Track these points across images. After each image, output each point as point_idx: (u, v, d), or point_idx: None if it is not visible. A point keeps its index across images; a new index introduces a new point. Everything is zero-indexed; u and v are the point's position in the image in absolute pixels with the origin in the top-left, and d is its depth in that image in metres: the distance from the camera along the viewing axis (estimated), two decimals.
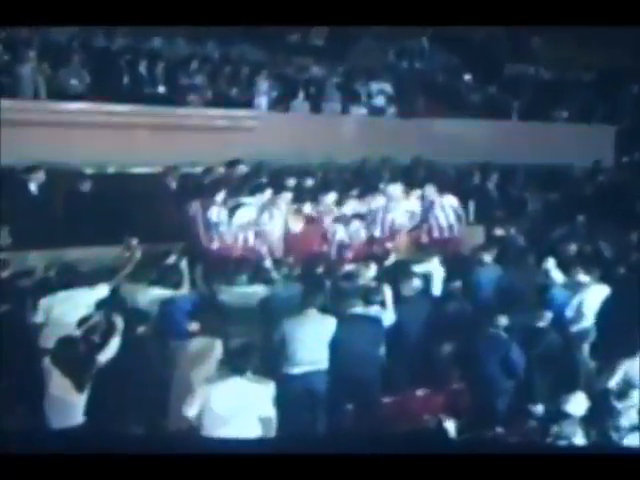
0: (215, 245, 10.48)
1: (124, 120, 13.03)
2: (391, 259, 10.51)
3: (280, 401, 7.38)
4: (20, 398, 7.59)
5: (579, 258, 10.92)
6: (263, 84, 14.81)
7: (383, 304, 9.04)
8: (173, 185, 11.55)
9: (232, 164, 11.78)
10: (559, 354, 9.31)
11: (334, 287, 9.45)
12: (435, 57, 18.99)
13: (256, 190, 10.97)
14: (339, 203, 11.45)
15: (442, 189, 12.30)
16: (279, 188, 11.38)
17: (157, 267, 9.21)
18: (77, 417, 7.04)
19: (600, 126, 17.80)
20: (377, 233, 11.49)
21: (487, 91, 18.15)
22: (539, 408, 8.93)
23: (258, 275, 9.42)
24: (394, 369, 9.25)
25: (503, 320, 8.98)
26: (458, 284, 10.26)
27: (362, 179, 13.09)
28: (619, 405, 8.19)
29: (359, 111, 15.70)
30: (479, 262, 10.73)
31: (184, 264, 9.25)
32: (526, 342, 9.02)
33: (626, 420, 7.99)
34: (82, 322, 7.53)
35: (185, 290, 8.99)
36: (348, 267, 10.00)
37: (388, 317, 9.03)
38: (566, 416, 7.63)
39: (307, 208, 11.20)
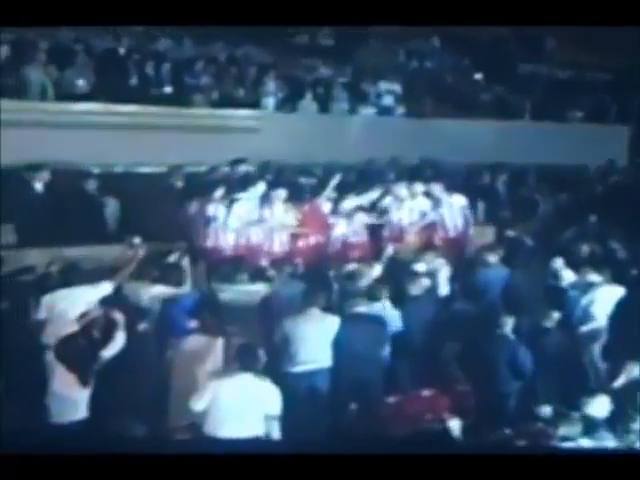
0: (217, 243, 10.64)
1: (130, 120, 13.21)
2: (396, 258, 10.59)
3: (283, 399, 7.50)
4: (22, 394, 7.70)
5: (590, 258, 10.95)
6: (270, 84, 14.97)
7: (388, 301, 9.12)
8: (177, 185, 11.67)
9: (236, 163, 11.87)
10: (567, 355, 9.39)
11: (338, 286, 9.57)
12: (446, 57, 19.13)
13: (249, 184, 11.03)
14: (340, 199, 11.52)
15: (450, 189, 12.39)
16: (281, 186, 11.47)
17: (159, 265, 9.35)
18: (81, 412, 7.22)
19: (614, 126, 17.86)
20: (383, 232, 11.56)
21: (498, 91, 18.24)
22: (547, 410, 9.01)
23: (259, 274, 9.53)
24: (399, 369, 9.35)
25: (510, 321, 9.06)
26: (464, 284, 10.33)
27: (368, 179, 13.15)
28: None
29: (367, 111, 15.83)
30: (485, 263, 10.79)
31: (186, 262, 9.39)
32: (533, 343, 9.10)
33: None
34: (81, 318, 7.66)
35: (187, 288, 9.13)
36: (352, 266, 10.06)
37: (392, 315, 9.10)
38: (588, 419, 7.69)
39: (308, 205, 11.30)
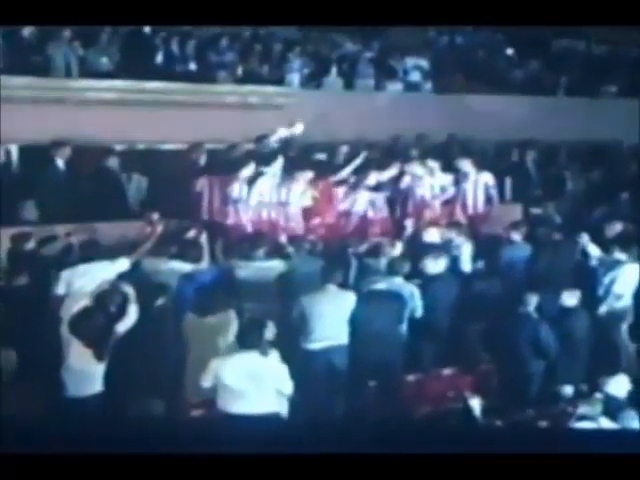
0: (235, 220, 10.71)
1: (155, 97, 13.29)
2: (416, 235, 10.64)
3: (299, 376, 7.61)
4: (41, 369, 7.85)
5: (620, 236, 10.89)
6: (295, 61, 14.99)
7: (408, 276, 9.15)
8: (198, 161, 11.76)
9: (260, 139, 11.93)
10: (590, 334, 9.40)
11: (357, 263, 9.63)
12: (477, 32, 18.98)
13: (271, 161, 11.12)
14: (360, 176, 11.58)
15: (476, 165, 12.39)
16: (303, 163, 11.53)
17: (177, 241, 9.46)
18: (96, 386, 7.39)
19: None
20: (403, 208, 11.61)
21: (532, 67, 18.11)
22: (569, 389, 9.04)
23: (277, 250, 9.62)
24: (419, 347, 9.42)
25: (534, 299, 9.09)
26: (487, 262, 10.34)
27: (392, 156, 13.15)
28: None
29: (393, 87, 15.80)
30: (509, 240, 10.78)
31: (204, 239, 9.48)
32: (557, 322, 9.12)
33: None
34: (93, 293, 7.81)
35: (204, 264, 9.23)
36: (372, 242, 10.12)
37: (412, 293, 9.15)
38: (610, 398, 7.70)
39: (329, 183, 11.38)
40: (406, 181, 12.06)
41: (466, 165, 12.29)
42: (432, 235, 10.67)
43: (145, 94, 13.22)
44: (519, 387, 8.98)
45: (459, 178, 12.22)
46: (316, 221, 11.03)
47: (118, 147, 12.68)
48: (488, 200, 12.23)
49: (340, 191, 11.54)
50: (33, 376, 7.83)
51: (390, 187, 11.84)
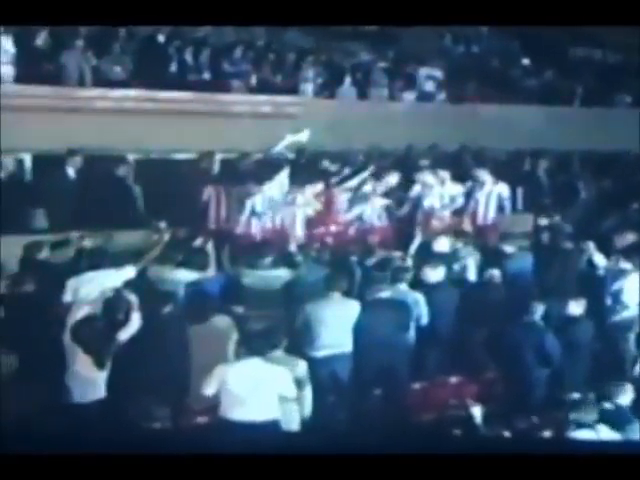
0: (242, 229, 10.84)
1: (168, 107, 13.45)
2: (423, 244, 10.73)
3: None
4: (47, 376, 7.97)
5: (630, 246, 10.94)
6: (309, 70, 15.13)
7: (412, 284, 9.25)
8: (208, 171, 11.91)
9: (271, 148, 12.08)
10: (596, 343, 9.46)
11: (364, 273, 9.72)
12: (493, 41, 19.06)
13: (281, 170, 11.23)
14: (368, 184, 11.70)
15: (488, 175, 12.48)
16: (313, 172, 11.65)
17: (184, 250, 9.58)
18: (98, 392, 7.49)
19: None
20: (411, 218, 11.71)
21: (547, 76, 18.15)
22: (574, 398, 9.06)
23: (283, 259, 9.72)
24: (425, 355, 9.49)
25: (540, 308, 9.15)
26: (495, 271, 10.39)
27: (404, 165, 13.25)
28: None
29: (407, 97, 15.90)
30: (517, 250, 10.85)
31: (210, 247, 9.60)
32: (562, 330, 9.18)
33: None
34: (97, 301, 7.93)
35: (211, 273, 9.35)
36: (381, 254, 10.19)
37: (417, 301, 9.23)
38: (615, 407, 7.75)
39: (336, 192, 11.52)
40: (416, 190, 12.12)
41: (483, 175, 12.36)
42: (440, 244, 10.73)
43: (158, 103, 13.39)
44: (523, 395, 9.02)
45: (473, 188, 12.27)
46: (323, 230, 11.12)
47: (130, 156, 12.87)
48: (500, 210, 12.27)
49: (348, 200, 11.61)
50: (39, 382, 7.91)
51: (399, 196, 11.87)
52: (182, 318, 8.55)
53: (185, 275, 9.16)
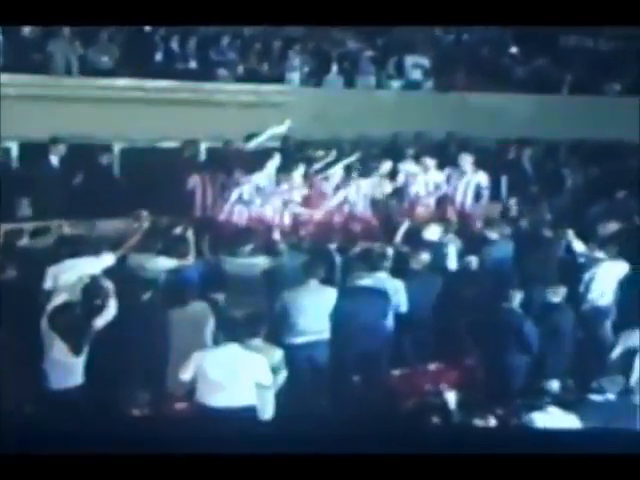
0: (223, 217, 10.95)
1: (155, 95, 13.54)
2: (405, 231, 10.83)
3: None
4: (27, 363, 8.08)
5: (605, 234, 11.05)
6: (295, 59, 15.20)
7: (393, 272, 9.37)
8: (192, 159, 12.01)
9: (249, 138, 12.14)
10: (575, 330, 9.58)
11: (345, 260, 9.84)
12: (485, 29, 19.05)
13: (265, 158, 11.32)
14: (349, 173, 11.81)
15: (472, 163, 12.58)
16: (299, 161, 11.73)
17: (164, 238, 9.68)
18: (76, 378, 7.60)
19: None
20: (394, 206, 11.81)
21: (537, 64, 18.19)
22: (554, 384, 9.17)
23: (263, 247, 9.83)
24: (405, 342, 9.61)
25: (518, 295, 9.25)
26: (473, 258, 10.51)
27: (390, 154, 13.33)
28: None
29: (395, 85, 15.95)
30: (497, 237, 10.94)
31: (190, 234, 9.71)
32: (541, 317, 9.29)
33: None
34: (73, 288, 8.05)
35: (190, 260, 9.46)
36: (362, 242, 10.30)
37: (397, 288, 9.34)
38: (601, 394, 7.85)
39: (318, 180, 11.65)
40: (400, 178, 12.22)
41: (466, 162, 12.46)
42: (429, 232, 10.85)
43: (145, 92, 13.48)
44: (501, 382, 9.10)
45: (453, 175, 12.38)
46: (306, 218, 11.20)
47: (117, 145, 12.99)
48: (477, 199, 12.38)
49: (332, 188, 11.70)
50: (19, 368, 8.03)
51: (383, 184, 11.97)
52: (162, 304, 8.66)
53: (165, 262, 9.25)
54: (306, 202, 11.41)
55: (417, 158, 12.82)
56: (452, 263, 10.45)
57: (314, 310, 8.70)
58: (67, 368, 7.57)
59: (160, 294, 8.76)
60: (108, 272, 8.67)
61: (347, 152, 13.28)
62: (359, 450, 5.12)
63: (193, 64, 14.65)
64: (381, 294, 9.19)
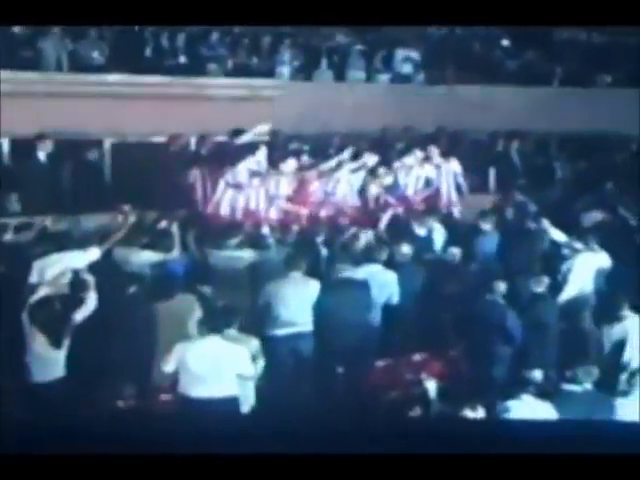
0: (209, 210, 11.05)
1: (145, 91, 13.60)
2: (391, 223, 10.97)
3: (266, 362, 7.95)
4: (10, 356, 8.19)
5: (589, 224, 11.15)
6: (285, 53, 15.28)
7: (385, 262, 9.51)
8: (179, 153, 12.10)
9: (235, 134, 12.21)
10: (556, 320, 9.66)
11: (330, 253, 9.95)
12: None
13: (252, 152, 11.40)
14: (338, 166, 11.88)
15: (457, 156, 12.67)
16: (287, 155, 11.82)
17: (149, 232, 9.81)
18: (57, 371, 7.73)
19: None
20: (381, 198, 11.90)
21: (529, 57, 18.26)
22: (537, 375, 9.25)
23: (247, 240, 9.94)
24: (389, 333, 9.71)
25: (502, 286, 9.35)
26: (458, 250, 10.61)
27: (380, 147, 13.41)
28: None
29: (385, 79, 16.03)
30: (480, 230, 11.04)
31: (175, 228, 9.81)
32: (524, 308, 9.38)
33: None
34: (54, 281, 8.15)
35: (175, 254, 9.56)
36: (346, 234, 10.40)
37: (382, 280, 9.45)
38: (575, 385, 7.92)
39: (310, 173, 11.69)
40: (386, 169, 12.32)
41: (434, 153, 12.57)
42: (416, 224, 10.98)
43: (135, 87, 13.53)
44: (486, 372, 9.19)
45: (438, 169, 12.49)
46: (293, 211, 11.29)
47: (107, 140, 13.09)
48: (458, 189, 12.49)
49: (320, 181, 11.78)
50: (3, 362, 8.14)
51: (367, 177, 12.06)
52: (147, 297, 8.78)
53: (149, 256, 9.38)
54: (294, 196, 11.45)
55: (406, 152, 12.86)
56: (438, 253, 10.54)
57: (297, 302, 8.83)
58: (48, 361, 7.70)
59: (146, 287, 8.86)
60: (94, 266, 8.79)
61: (337, 146, 13.44)
62: (341, 443, 5.25)
63: (183, 59, 14.72)
64: (364, 286, 9.30)
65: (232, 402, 7.58)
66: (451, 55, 17.18)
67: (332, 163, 11.99)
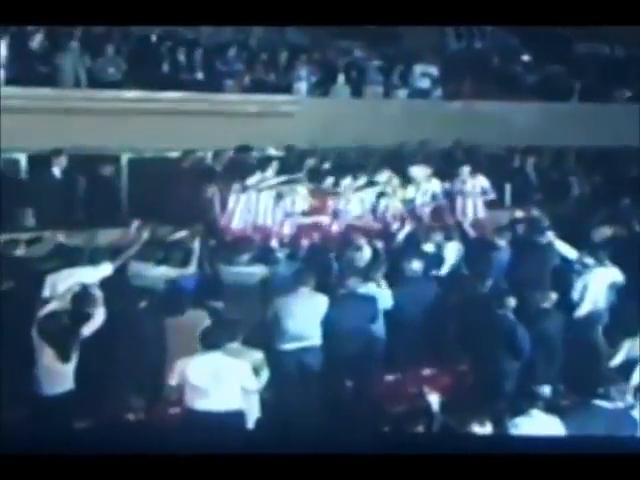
0: (224, 226, 11.20)
1: (162, 107, 13.83)
2: (400, 239, 11.10)
3: (273, 375, 8.12)
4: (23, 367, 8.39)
5: (599, 239, 11.25)
6: (302, 69, 15.46)
7: (378, 282, 9.65)
8: (193, 168, 12.31)
9: (241, 150, 12.37)
10: (565, 336, 9.77)
11: (340, 268, 10.12)
12: (497, 37, 19.25)
13: (265, 168, 11.57)
14: (352, 182, 12.05)
15: (476, 171, 12.80)
16: (302, 171, 11.99)
17: (166, 247, 10.05)
18: (66, 384, 7.90)
19: None
20: (390, 214, 12.04)
21: (548, 72, 18.35)
22: (545, 390, 9.36)
23: (259, 256, 10.12)
24: (398, 348, 9.87)
25: (512, 301, 9.47)
26: (473, 265, 10.74)
27: (395, 162, 13.56)
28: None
29: (402, 94, 16.18)
30: (495, 246, 11.16)
31: (196, 244, 10.01)
32: (530, 323, 9.49)
33: None
34: (63, 296, 8.37)
35: (192, 269, 9.79)
36: (353, 249, 10.55)
37: (386, 295, 9.63)
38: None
39: (325, 188, 11.86)
40: (403, 187, 12.46)
41: (464, 171, 12.70)
42: (427, 238, 11.11)
43: (152, 103, 13.75)
44: (494, 386, 9.29)
45: (455, 183, 12.62)
46: (306, 227, 11.43)
47: (124, 156, 13.36)
48: (480, 205, 12.62)
49: (334, 197, 11.92)
50: (15, 375, 8.35)
51: (377, 192, 12.20)
52: (158, 312, 8.98)
53: (166, 272, 9.62)
54: (307, 211, 11.60)
55: (419, 165, 13.01)
56: (450, 269, 10.68)
57: (305, 317, 9.00)
58: (57, 374, 7.87)
59: (157, 302, 9.06)
60: (105, 280, 9.01)
61: (353, 161, 13.61)
62: (348, 453, 5.39)
63: (200, 75, 14.92)
64: (370, 300, 9.50)
65: (237, 415, 7.70)
66: (469, 69, 17.29)
67: (347, 179, 12.09)
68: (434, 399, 7.94)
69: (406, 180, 12.48)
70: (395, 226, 11.75)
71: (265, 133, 13.69)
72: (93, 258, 9.41)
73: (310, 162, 12.79)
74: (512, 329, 9.34)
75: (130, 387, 8.64)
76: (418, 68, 16.59)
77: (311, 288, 9.15)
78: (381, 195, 12.14)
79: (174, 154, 13.28)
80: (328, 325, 9.10)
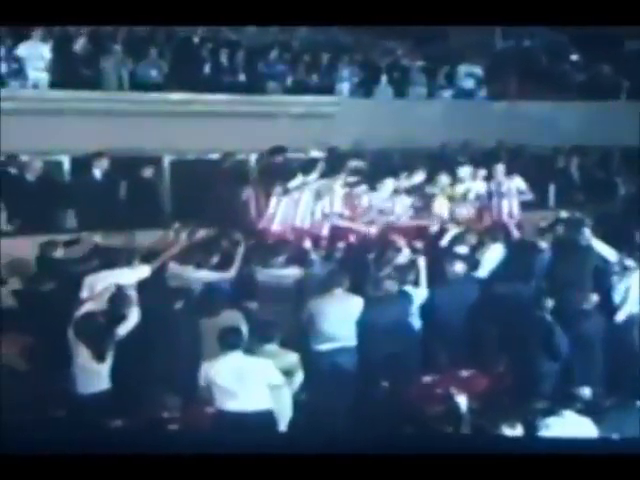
0: (260, 227, 11.31)
1: (205, 109, 14.04)
2: (444, 239, 11.17)
3: (307, 376, 8.26)
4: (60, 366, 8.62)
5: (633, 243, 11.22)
6: (344, 70, 15.58)
7: (416, 283, 9.73)
8: (233, 171, 12.48)
9: (273, 152, 12.49)
10: (606, 338, 9.76)
11: (375, 268, 10.21)
12: (545, 35, 19.19)
13: (309, 170, 11.66)
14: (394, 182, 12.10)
15: (515, 171, 12.80)
16: (338, 171, 12.07)
17: (208, 249, 10.17)
18: (102, 384, 8.13)
19: None
20: (429, 214, 12.08)
21: (596, 70, 18.25)
22: (585, 392, 9.35)
23: (295, 257, 10.24)
24: (435, 349, 9.95)
25: (550, 303, 9.50)
26: (514, 267, 10.76)
27: (437, 163, 13.60)
28: None
29: (446, 95, 16.22)
30: (538, 246, 11.16)
31: (241, 249, 10.15)
32: (572, 325, 9.50)
33: None
34: (99, 296, 8.58)
35: (232, 274, 9.93)
36: (391, 250, 10.62)
37: (423, 295, 9.74)
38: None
39: (364, 190, 11.90)
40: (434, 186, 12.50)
41: (499, 171, 12.72)
42: (465, 240, 11.16)
43: (194, 105, 13.97)
44: (532, 388, 9.31)
45: (493, 185, 12.63)
46: (344, 228, 11.52)
47: (167, 158, 13.58)
48: (521, 205, 12.61)
49: (375, 199, 11.99)
50: (52, 374, 8.59)
51: (416, 193, 12.25)
52: (194, 312, 9.16)
53: (207, 275, 9.80)
54: (345, 212, 11.67)
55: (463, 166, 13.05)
56: (489, 271, 10.71)
57: (339, 318, 9.09)
58: (93, 374, 8.09)
59: (193, 303, 9.26)
60: (143, 281, 9.21)
61: (395, 162, 13.67)
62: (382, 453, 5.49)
63: (242, 77, 15.12)
64: (406, 301, 9.65)
65: (267, 415, 7.80)
66: (515, 69, 17.26)
67: (389, 180, 12.15)
68: (462, 400, 8.04)
69: (452, 180, 12.45)
70: (437, 227, 11.72)
71: (307, 134, 13.82)
72: (131, 260, 9.59)
73: (352, 163, 12.82)
74: (550, 330, 9.35)
75: (165, 387, 8.78)
76: (462, 68, 16.59)
77: (345, 289, 9.25)
78: (424, 196, 12.14)
79: (216, 156, 13.47)
80: (363, 326, 9.18)
